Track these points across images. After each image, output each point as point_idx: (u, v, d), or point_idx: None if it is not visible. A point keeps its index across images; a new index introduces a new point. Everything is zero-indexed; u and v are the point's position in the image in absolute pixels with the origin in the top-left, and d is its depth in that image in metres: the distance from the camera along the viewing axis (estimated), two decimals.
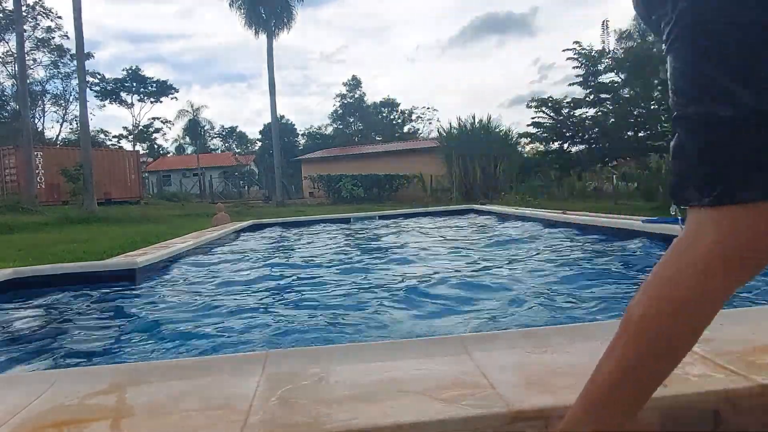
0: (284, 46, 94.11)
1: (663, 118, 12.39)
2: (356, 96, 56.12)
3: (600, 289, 3.26)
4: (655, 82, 13.11)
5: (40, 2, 36.92)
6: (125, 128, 51.80)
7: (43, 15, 37.40)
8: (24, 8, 33.32)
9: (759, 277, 3.19)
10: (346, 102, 56.22)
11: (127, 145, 49.22)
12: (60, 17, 37.49)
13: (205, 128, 49.84)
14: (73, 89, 38.98)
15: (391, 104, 57.79)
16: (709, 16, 0.84)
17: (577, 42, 13.50)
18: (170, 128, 55.55)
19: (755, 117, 0.80)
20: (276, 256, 5.72)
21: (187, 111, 43.24)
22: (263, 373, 1.53)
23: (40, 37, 38.36)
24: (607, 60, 13.45)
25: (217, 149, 59.09)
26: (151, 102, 49.78)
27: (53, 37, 38.80)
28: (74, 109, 40.85)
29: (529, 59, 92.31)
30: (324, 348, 1.85)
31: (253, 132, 75.49)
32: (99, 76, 46.31)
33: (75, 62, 25.26)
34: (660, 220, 5.32)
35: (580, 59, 13.50)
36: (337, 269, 4.67)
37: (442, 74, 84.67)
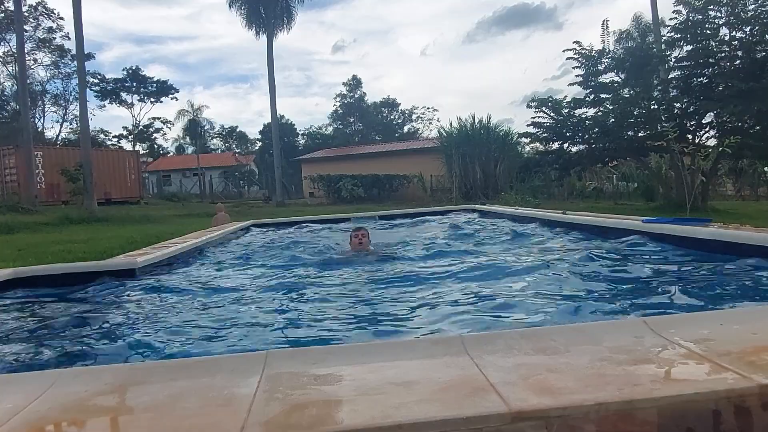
0: (287, 47, 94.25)
1: (663, 118, 12.37)
2: (356, 96, 56.16)
3: (599, 289, 3.26)
4: (655, 82, 13.09)
5: (42, 3, 36.97)
6: (125, 128, 51.87)
7: (45, 15, 37.45)
8: (26, 8, 33.38)
9: (758, 277, 3.19)
10: (346, 102, 56.25)
11: (127, 145, 49.29)
12: (62, 18, 37.54)
13: (205, 128, 49.83)
14: (74, 89, 39.05)
15: (391, 104, 57.82)
16: None
17: (577, 42, 13.50)
18: (170, 128, 55.48)
19: None
20: (276, 257, 5.72)
21: (187, 111, 43.23)
22: (263, 373, 1.52)
23: (42, 37, 38.41)
24: (607, 60, 13.43)
25: (217, 149, 59.08)
26: (151, 102, 49.81)
27: (54, 38, 38.84)
28: (74, 109, 40.88)
29: (545, 55, 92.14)
30: (324, 348, 1.85)
31: (253, 132, 75.40)
32: (99, 77, 46.35)
33: (75, 62, 25.29)
34: (660, 220, 5.32)
35: (580, 59, 13.49)
36: (336, 269, 4.67)
37: (444, 74, 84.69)
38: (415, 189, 25.52)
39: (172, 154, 55.72)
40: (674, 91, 12.80)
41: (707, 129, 12.76)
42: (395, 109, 58.11)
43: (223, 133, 60.78)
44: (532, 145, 20.41)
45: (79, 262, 4.84)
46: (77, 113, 33.43)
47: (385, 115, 57.86)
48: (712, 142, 12.51)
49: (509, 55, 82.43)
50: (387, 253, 5.40)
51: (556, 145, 14.91)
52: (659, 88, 13.03)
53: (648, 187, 16.00)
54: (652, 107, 12.68)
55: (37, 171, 20.79)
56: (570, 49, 13.56)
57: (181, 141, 54.55)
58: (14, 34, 27.22)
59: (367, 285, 3.85)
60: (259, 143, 56.58)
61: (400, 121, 58.41)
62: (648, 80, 12.85)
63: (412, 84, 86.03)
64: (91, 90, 43.81)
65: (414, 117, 58.35)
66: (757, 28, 11.45)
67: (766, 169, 17.64)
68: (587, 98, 13.61)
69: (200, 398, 1.40)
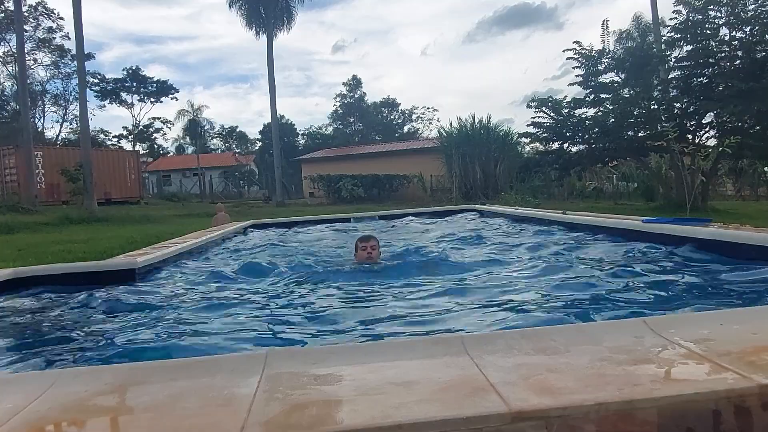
0: (287, 47, 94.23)
1: (663, 118, 12.37)
2: (356, 96, 56.16)
3: (600, 289, 3.26)
4: (655, 82, 13.08)
5: (42, 3, 36.97)
6: (125, 128, 51.83)
7: (45, 15, 37.44)
8: (26, 8, 33.36)
9: (758, 277, 3.19)
10: (346, 102, 56.26)
11: (127, 145, 49.25)
12: (62, 18, 37.53)
13: (205, 128, 49.81)
14: (74, 89, 39.02)
15: (391, 104, 57.82)
16: None
17: (577, 42, 13.51)
18: (170, 128, 55.42)
19: None
20: (275, 256, 5.71)
21: (187, 111, 43.23)
22: (263, 373, 1.52)
23: (42, 37, 38.40)
24: (607, 60, 13.43)
25: (217, 149, 59.05)
26: (151, 102, 49.78)
27: (54, 38, 38.84)
28: (74, 109, 40.87)
29: (545, 55, 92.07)
30: (324, 348, 1.85)
31: (253, 132, 75.33)
32: (99, 77, 46.34)
33: (75, 62, 25.30)
34: (660, 220, 5.33)
35: (580, 59, 13.50)
36: (336, 269, 4.66)
37: (444, 74, 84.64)
38: (415, 189, 25.51)
39: (172, 154, 55.70)
40: (674, 91, 12.80)
41: (707, 129, 12.76)
42: (395, 109, 58.10)
43: (223, 133, 60.76)
44: (532, 145, 20.44)
45: (79, 262, 4.84)
46: (77, 113, 33.44)
47: (385, 115, 57.85)
48: (712, 142, 12.52)
49: (509, 55, 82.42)
50: (395, 264, 4.67)
51: (556, 145, 14.91)
52: (659, 88, 13.03)
53: (648, 187, 16.01)
54: (652, 107, 12.68)
55: (37, 171, 20.79)
56: (570, 49, 13.56)
57: (181, 141, 54.53)
58: (14, 34, 27.22)
59: (374, 298, 3.64)
60: (259, 143, 56.57)
61: (400, 121, 58.41)
62: (648, 80, 12.85)
63: (412, 84, 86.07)
64: (91, 90, 43.82)
65: (414, 117, 58.39)
66: (757, 28, 11.45)
67: (766, 169, 17.64)
68: (587, 98, 13.61)
69: (200, 398, 1.40)
